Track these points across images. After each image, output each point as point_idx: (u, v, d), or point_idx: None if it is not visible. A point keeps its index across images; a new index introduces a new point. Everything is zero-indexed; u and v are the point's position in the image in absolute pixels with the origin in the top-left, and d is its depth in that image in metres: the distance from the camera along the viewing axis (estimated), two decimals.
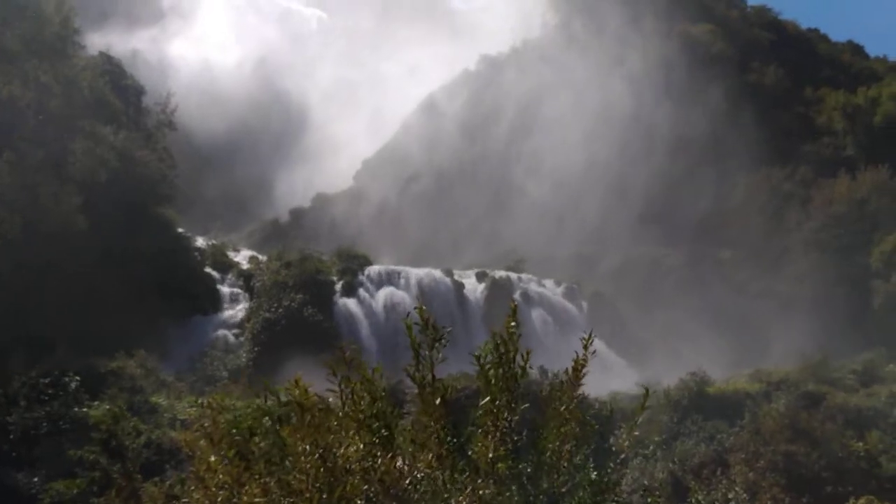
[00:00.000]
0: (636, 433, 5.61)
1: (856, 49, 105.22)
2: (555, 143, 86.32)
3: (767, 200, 79.48)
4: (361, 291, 65.83)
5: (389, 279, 67.87)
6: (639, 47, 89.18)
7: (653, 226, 78.26)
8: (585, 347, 5.67)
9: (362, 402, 5.28)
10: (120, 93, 62.89)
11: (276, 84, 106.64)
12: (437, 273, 69.91)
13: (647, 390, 5.87)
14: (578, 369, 5.54)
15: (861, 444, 40.75)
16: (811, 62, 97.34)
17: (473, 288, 70.30)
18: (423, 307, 5.64)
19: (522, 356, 5.49)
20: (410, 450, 5.25)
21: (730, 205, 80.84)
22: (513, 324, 5.54)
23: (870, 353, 54.27)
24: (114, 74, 64.24)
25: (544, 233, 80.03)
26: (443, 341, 5.45)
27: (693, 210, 79.11)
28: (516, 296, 69.72)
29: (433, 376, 5.33)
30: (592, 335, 5.69)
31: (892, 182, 75.25)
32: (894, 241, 70.61)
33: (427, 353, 5.39)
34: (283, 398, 5.11)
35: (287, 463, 4.90)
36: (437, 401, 5.24)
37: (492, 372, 5.38)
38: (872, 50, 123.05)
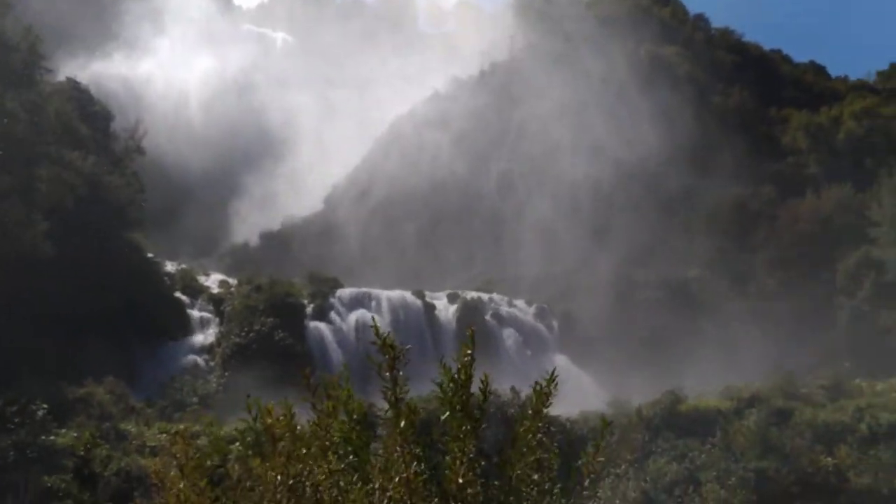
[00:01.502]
0: (601, 459, 5.70)
1: (818, 70, 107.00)
2: (523, 165, 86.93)
3: (734, 219, 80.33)
4: (332, 314, 65.67)
5: (360, 302, 67.79)
6: (606, 70, 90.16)
7: (621, 246, 78.80)
8: (549, 382, 5.75)
9: (331, 429, 5.35)
10: (87, 118, 62.66)
11: (245, 107, 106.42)
12: (408, 295, 69.93)
13: (604, 420, 5.96)
14: (542, 400, 5.63)
15: (830, 458, 41.20)
16: (775, 83, 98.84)
17: (445, 309, 70.38)
18: (384, 323, 5.73)
19: (481, 381, 5.56)
20: (380, 476, 5.31)
21: (697, 225, 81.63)
22: (468, 351, 5.60)
23: (836, 369, 54.88)
24: (81, 100, 64.03)
25: (515, 254, 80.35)
26: (401, 360, 5.50)
27: (661, 230, 79.77)
28: (487, 317, 69.94)
29: (396, 397, 5.38)
30: (555, 374, 5.77)
31: (856, 200, 76.38)
32: (858, 257, 71.59)
33: (389, 374, 5.44)
34: (254, 425, 5.15)
35: (257, 491, 4.96)
36: (402, 423, 5.30)
37: (454, 399, 5.45)
38: (834, 70, 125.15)
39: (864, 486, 39.18)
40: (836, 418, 44.39)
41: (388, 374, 5.50)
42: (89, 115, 63.67)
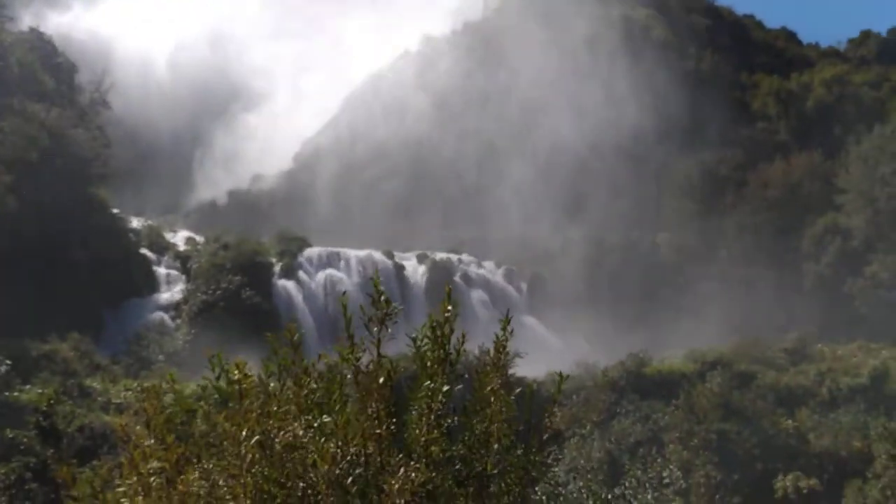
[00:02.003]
0: (558, 415, 5.67)
1: (789, 36, 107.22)
2: (492, 125, 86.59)
3: (702, 184, 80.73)
4: (301, 273, 65.45)
5: (329, 261, 67.59)
6: (579, 31, 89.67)
7: (591, 209, 79.04)
8: (504, 328, 5.72)
9: (301, 387, 5.26)
10: (51, 70, 61.38)
11: (214, 62, 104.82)
12: (378, 255, 69.81)
13: (561, 376, 5.94)
14: (500, 350, 5.58)
15: (791, 421, 41.93)
16: (746, 48, 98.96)
17: (414, 270, 70.42)
18: (353, 282, 5.63)
19: (458, 339, 5.51)
20: (352, 433, 5.25)
21: (665, 188, 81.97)
22: (449, 307, 5.55)
23: (800, 333, 55.67)
24: (45, 51, 62.64)
25: (483, 215, 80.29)
26: (393, 316, 5.46)
27: (630, 193, 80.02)
28: (456, 277, 70.05)
29: (380, 354, 5.32)
30: (509, 316, 5.74)
31: (824, 166, 77.01)
32: (825, 224, 72.38)
33: (377, 329, 5.38)
34: (223, 382, 5.05)
35: (224, 447, 4.87)
36: (381, 380, 5.23)
37: (428, 354, 5.39)
38: (805, 37, 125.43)
39: (824, 448, 39.93)
40: (798, 382, 45.13)
41: (376, 328, 5.44)
42: (53, 66, 62.34)
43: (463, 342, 5.48)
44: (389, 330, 5.39)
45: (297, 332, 5.31)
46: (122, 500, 4.74)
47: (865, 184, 70.67)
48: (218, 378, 5.17)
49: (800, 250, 72.65)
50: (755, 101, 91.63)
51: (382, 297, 5.39)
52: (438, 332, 5.39)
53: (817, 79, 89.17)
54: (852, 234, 70.75)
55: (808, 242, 72.74)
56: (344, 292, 5.66)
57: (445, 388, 5.26)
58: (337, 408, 5.08)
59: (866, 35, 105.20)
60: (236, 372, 4.94)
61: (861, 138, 74.76)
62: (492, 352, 5.72)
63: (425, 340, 5.43)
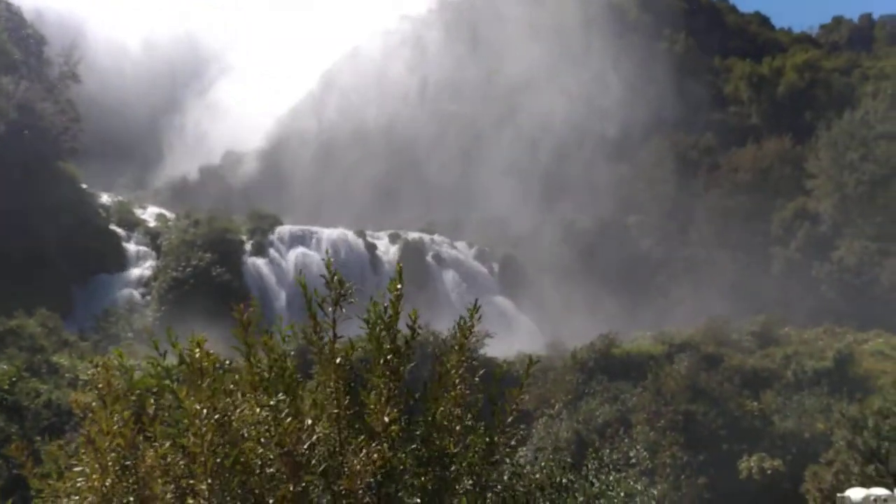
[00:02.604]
0: (524, 397, 5.70)
1: (762, 20, 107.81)
2: (468, 105, 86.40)
3: (675, 167, 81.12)
4: (272, 251, 65.18)
5: (301, 239, 67.33)
6: (556, 11, 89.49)
7: (563, 190, 79.22)
8: (472, 314, 5.72)
9: (261, 365, 5.26)
10: (19, 42, 60.42)
11: (188, 40, 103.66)
12: (350, 234, 69.64)
13: (530, 359, 5.95)
14: (465, 333, 5.59)
15: (756, 403, 42.41)
16: (720, 32, 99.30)
17: (386, 249, 70.31)
18: (332, 262, 5.61)
19: (410, 318, 5.50)
20: (311, 412, 5.25)
21: (638, 171, 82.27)
22: (398, 286, 5.54)
23: (767, 316, 56.22)
24: (12, 23, 61.63)
25: (456, 196, 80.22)
26: (347, 297, 5.43)
27: (603, 175, 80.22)
28: (429, 257, 70.11)
29: (335, 334, 5.31)
30: (478, 304, 5.74)
31: (794, 151, 77.60)
32: (794, 208, 73.03)
33: (331, 309, 5.36)
34: (183, 359, 5.03)
35: (183, 425, 4.86)
36: (338, 360, 5.23)
37: (383, 335, 5.39)
38: (778, 22, 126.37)
39: (788, 430, 40.45)
40: (764, 365, 45.60)
41: (331, 309, 5.41)
42: (21, 38, 61.40)
43: (415, 321, 5.47)
44: (344, 310, 5.38)
45: (248, 312, 5.28)
46: (79, 479, 4.73)
47: (834, 169, 71.34)
48: (164, 355, 5.14)
49: (769, 234, 73.28)
50: (728, 86, 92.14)
51: (337, 278, 5.37)
52: (385, 314, 5.39)
53: (789, 64, 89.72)
54: (821, 219, 71.48)
55: (777, 226, 73.38)
56: (321, 272, 5.59)
57: (396, 366, 5.26)
58: (289, 386, 5.07)
59: (838, 21, 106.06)
60: (196, 350, 4.92)
61: (831, 124, 75.37)
62: (457, 334, 5.72)
63: (378, 321, 5.42)
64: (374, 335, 5.31)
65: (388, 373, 5.20)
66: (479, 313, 5.69)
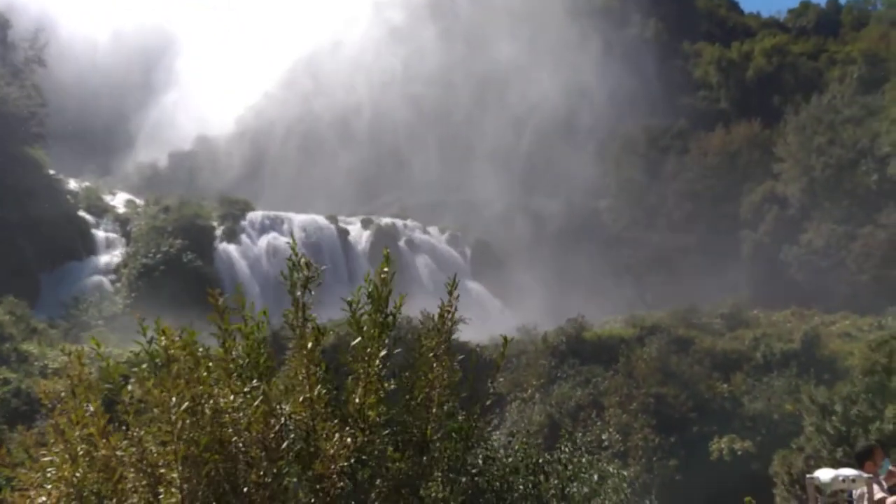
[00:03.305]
0: (500, 379, 5.71)
1: (731, 5, 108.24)
2: (438, 93, 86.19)
3: (645, 151, 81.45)
4: (243, 237, 64.80)
5: (272, 225, 66.99)
6: None
7: (534, 175, 79.36)
8: (450, 293, 5.71)
9: (235, 352, 5.21)
10: None
11: (158, 24, 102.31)
12: (321, 219, 69.36)
13: (506, 339, 5.95)
14: (444, 315, 5.58)
15: (726, 385, 42.82)
16: (689, 16, 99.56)
17: (358, 234, 70.15)
18: (297, 247, 5.56)
19: (395, 302, 5.49)
20: (284, 397, 5.22)
21: (608, 155, 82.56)
22: (385, 269, 5.51)
23: (736, 299, 56.73)
24: None
25: (429, 181, 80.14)
26: (315, 280, 5.37)
27: (572, 160, 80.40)
28: (401, 243, 70.00)
29: (304, 318, 5.26)
30: (457, 280, 5.73)
31: (763, 135, 78.13)
32: (763, 192, 73.59)
33: (300, 293, 5.31)
34: (153, 347, 4.97)
35: (154, 413, 4.81)
36: (310, 345, 5.20)
37: (364, 318, 5.36)
38: (747, 6, 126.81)
39: (757, 411, 40.88)
40: (734, 347, 46.00)
41: (297, 294, 5.36)
42: None
43: (400, 305, 5.46)
44: (313, 293, 5.32)
45: (221, 297, 5.23)
46: (49, 468, 4.68)
47: (802, 153, 71.94)
48: (150, 343, 5.08)
49: (738, 217, 73.85)
50: (697, 70, 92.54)
51: (304, 261, 5.31)
52: (376, 295, 5.36)
53: (758, 48, 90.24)
54: (789, 203, 72.11)
55: (745, 210, 73.95)
56: (289, 257, 5.53)
57: (383, 352, 5.24)
58: (263, 372, 5.04)
59: (806, 6, 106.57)
60: (163, 338, 4.86)
61: (799, 108, 75.98)
62: (436, 317, 5.70)
63: (362, 304, 5.39)
64: (354, 319, 5.29)
65: (366, 357, 5.17)
66: (455, 294, 5.67)
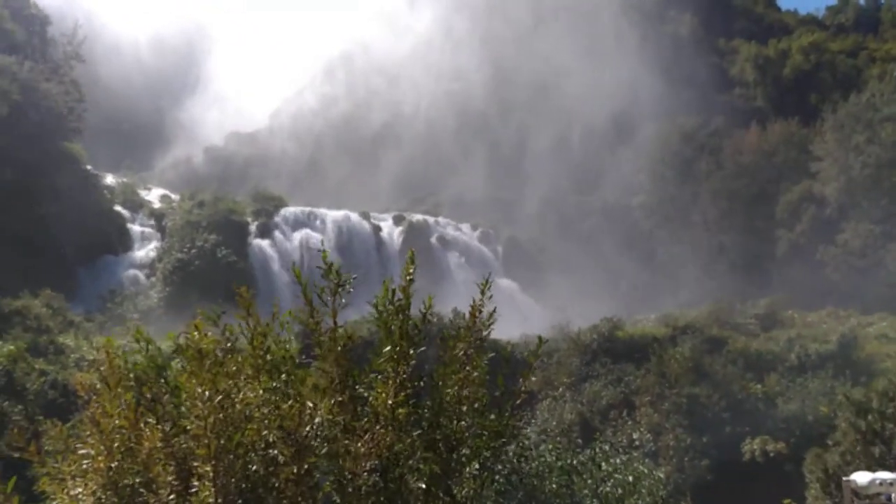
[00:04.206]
0: (533, 378, 5.67)
1: (768, 2, 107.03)
2: (470, 88, 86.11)
3: (680, 149, 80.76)
4: (277, 233, 65.15)
5: (305, 221, 67.28)
6: None
7: (567, 172, 79.00)
8: (483, 291, 5.69)
9: (263, 349, 5.21)
10: (23, 21, 60.18)
11: (193, 19, 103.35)
12: (354, 216, 69.56)
13: (540, 339, 5.91)
14: (475, 314, 5.55)
15: (760, 386, 42.35)
16: (725, 13, 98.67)
17: (390, 231, 70.26)
18: (327, 251, 5.56)
19: (424, 303, 5.47)
20: (312, 396, 5.22)
21: (642, 153, 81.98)
22: (410, 270, 5.50)
23: (771, 299, 56.10)
24: (15, 2, 61.36)
25: (462, 177, 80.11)
26: (346, 287, 5.38)
27: (606, 157, 79.98)
28: (433, 239, 70.05)
29: (335, 323, 5.26)
30: (490, 280, 5.70)
31: (800, 134, 77.20)
32: (800, 191, 72.71)
33: (330, 298, 5.32)
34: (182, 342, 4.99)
35: (184, 408, 4.84)
36: (339, 349, 5.19)
37: (391, 319, 5.35)
38: (784, 3, 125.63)
39: (791, 413, 40.40)
40: (768, 347, 45.49)
41: (330, 298, 5.37)
42: (24, 17, 61.14)
43: (429, 308, 5.43)
44: (344, 300, 5.32)
45: (251, 296, 5.24)
46: (85, 461, 4.72)
47: (840, 152, 70.97)
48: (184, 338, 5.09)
49: (773, 217, 73.02)
50: (733, 68, 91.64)
51: (335, 268, 5.31)
52: (399, 298, 5.35)
53: (795, 46, 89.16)
54: (826, 202, 71.18)
55: (781, 209, 73.11)
56: (321, 257, 5.52)
57: (405, 351, 5.22)
58: (291, 371, 5.04)
59: (844, 3, 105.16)
60: (194, 334, 4.88)
61: (837, 106, 74.94)
62: (467, 315, 5.68)
63: (387, 306, 5.37)
64: (382, 320, 5.27)
65: (395, 357, 5.16)
66: (488, 286, 5.64)
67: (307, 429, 4.84)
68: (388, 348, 5.23)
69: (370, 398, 5.21)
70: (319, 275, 5.57)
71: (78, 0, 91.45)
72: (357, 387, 5.21)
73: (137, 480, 4.77)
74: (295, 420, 4.81)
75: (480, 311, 5.55)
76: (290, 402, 4.88)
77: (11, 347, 34.17)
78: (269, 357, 5.10)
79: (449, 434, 5.34)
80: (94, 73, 70.01)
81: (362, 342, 5.39)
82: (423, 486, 5.10)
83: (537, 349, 5.79)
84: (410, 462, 5.26)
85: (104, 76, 79.06)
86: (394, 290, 5.35)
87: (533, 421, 34.09)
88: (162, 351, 5.14)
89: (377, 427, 5.01)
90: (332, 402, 5.05)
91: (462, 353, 5.41)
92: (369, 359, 5.30)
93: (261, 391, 4.89)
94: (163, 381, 4.99)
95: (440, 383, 5.40)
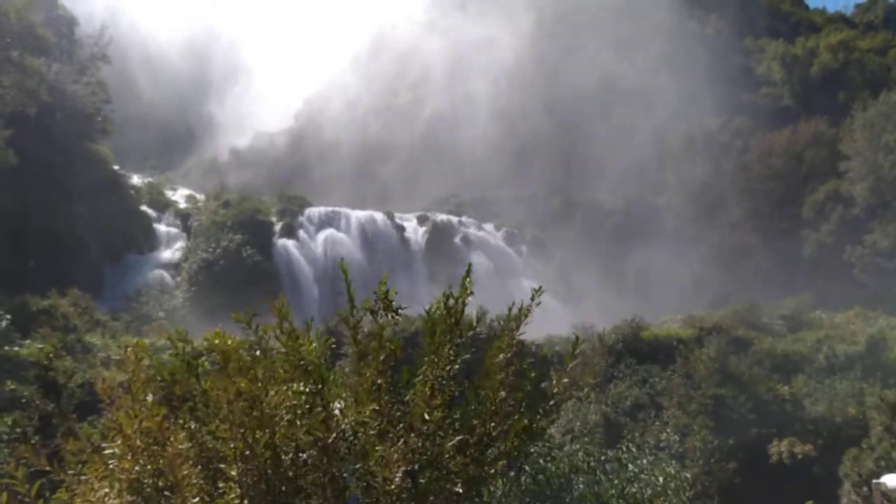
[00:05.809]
0: (565, 380, 5.59)
1: (796, 0, 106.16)
2: (494, 88, 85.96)
3: (705, 148, 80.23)
4: (301, 233, 65.34)
5: (330, 221, 67.44)
6: None
7: (591, 171, 78.68)
8: (533, 298, 5.61)
9: (292, 350, 5.16)
10: (51, 23, 60.71)
11: (217, 18, 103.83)
12: (379, 216, 69.63)
13: (577, 338, 5.83)
14: (521, 318, 5.49)
15: (786, 387, 41.97)
16: (751, 12, 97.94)
17: (414, 231, 70.29)
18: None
19: (474, 313, 5.42)
20: (344, 397, 5.17)
21: (668, 152, 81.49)
22: (468, 279, 5.46)
23: (798, 300, 55.61)
24: (44, 4, 61.91)
25: (484, 176, 79.96)
26: (390, 304, 5.33)
27: (631, 156, 79.56)
28: (457, 239, 69.99)
29: (381, 342, 5.18)
30: (542, 289, 5.65)
31: (828, 133, 76.46)
32: (827, 191, 72.03)
33: (379, 311, 5.25)
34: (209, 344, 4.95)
35: (210, 410, 4.79)
36: (382, 357, 5.13)
37: (440, 325, 5.29)
38: (812, 2, 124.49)
39: (819, 415, 39.98)
40: (795, 349, 45.09)
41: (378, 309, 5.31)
42: (52, 19, 61.70)
43: (482, 319, 5.38)
44: (393, 317, 5.27)
45: (284, 299, 5.19)
46: (111, 461, 4.69)
47: (869, 151, 70.18)
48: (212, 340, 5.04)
49: (800, 217, 72.40)
50: (760, 66, 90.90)
51: (386, 290, 5.22)
52: (452, 308, 5.29)
53: (823, 44, 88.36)
54: (854, 202, 70.44)
55: (808, 209, 72.46)
56: (342, 269, 5.46)
57: (454, 357, 5.16)
58: (322, 374, 4.98)
59: (873, 0, 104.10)
60: (218, 340, 4.83)
61: (866, 105, 74.09)
62: (506, 320, 5.64)
63: (438, 313, 5.33)
64: (430, 328, 5.20)
65: (437, 360, 5.09)
66: (538, 300, 5.59)
67: (337, 434, 4.78)
68: (429, 357, 5.16)
69: (407, 399, 5.14)
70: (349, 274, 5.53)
71: (105, 0, 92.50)
72: (393, 389, 5.14)
73: (162, 482, 4.73)
74: (324, 426, 4.75)
75: (525, 317, 5.50)
76: (318, 408, 4.82)
77: (46, 346, 34.45)
78: (301, 362, 5.03)
79: (482, 435, 5.26)
80: (121, 72, 70.47)
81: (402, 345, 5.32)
82: (459, 490, 5.01)
83: (574, 349, 5.72)
84: (443, 465, 5.18)
85: (130, 75, 79.60)
86: (447, 297, 5.30)
87: (557, 421, 33.93)
88: (194, 349, 5.09)
89: (411, 435, 4.94)
90: (368, 409, 4.98)
91: (503, 356, 5.35)
92: (402, 360, 5.24)
93: (290, 394, 4.83)
94: (194, 380, 4.95)
95: (478, 387, 5.33)
